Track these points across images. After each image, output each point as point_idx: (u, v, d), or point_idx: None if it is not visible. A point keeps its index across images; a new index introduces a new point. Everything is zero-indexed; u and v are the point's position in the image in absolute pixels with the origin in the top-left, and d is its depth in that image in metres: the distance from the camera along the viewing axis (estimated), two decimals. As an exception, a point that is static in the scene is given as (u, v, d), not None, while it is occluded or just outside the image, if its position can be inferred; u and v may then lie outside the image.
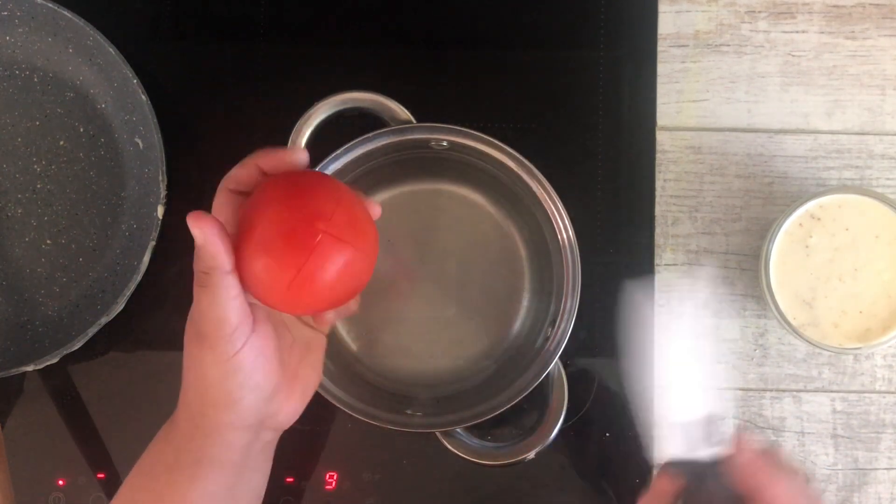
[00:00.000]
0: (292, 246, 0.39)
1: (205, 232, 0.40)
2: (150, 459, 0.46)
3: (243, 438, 0.43)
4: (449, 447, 0.53)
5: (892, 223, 0.53)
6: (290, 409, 0.45)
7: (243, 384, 0.42)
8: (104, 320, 0.54)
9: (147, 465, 0.46)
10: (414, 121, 0.53)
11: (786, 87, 0.59)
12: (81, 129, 0.59)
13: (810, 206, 0.53)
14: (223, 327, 0.41)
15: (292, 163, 0.43)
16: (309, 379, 0.46)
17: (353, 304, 0.47)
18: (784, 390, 0.59)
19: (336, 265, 0.40)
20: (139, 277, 0.54)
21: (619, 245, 0.59)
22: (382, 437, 0.57)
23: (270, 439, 0.46)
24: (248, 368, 0.42)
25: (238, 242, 0.40)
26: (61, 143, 0.59)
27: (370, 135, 0.53)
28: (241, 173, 0.43)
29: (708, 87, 0.60)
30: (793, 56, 0.60)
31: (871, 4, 0.59)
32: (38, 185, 0.59)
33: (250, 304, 0.42)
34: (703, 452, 0.45)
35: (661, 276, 0.59)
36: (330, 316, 0.46)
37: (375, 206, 0.45)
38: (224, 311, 0.40)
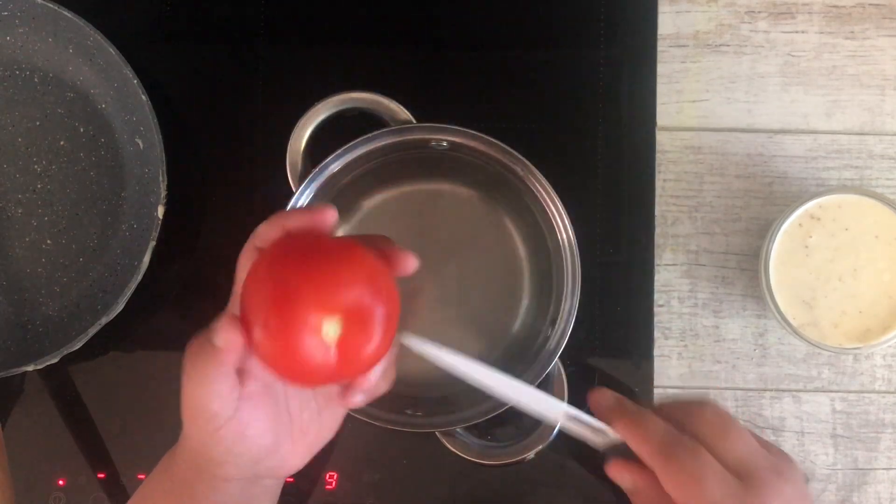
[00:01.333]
0: (284, 320, 0.37)
1: (230, 339, 0.38)
2: (151, 489, 0.46)
3: (238, 487, 0.43)
4: (449, 447, 0.53)
5: (891, 223, 0.53)
6: (293, 462, 0.44)
7: (228, 451, 0.41)
8: (104, 320, 0.54)
9: (148, 494, 0.46)
10: (414, 121, 0.53)
11: (785, 88, 0.59)
12: (82, 130, 0.59)
13: (810, 206, 0.53)
14: (203, 412, 0.40)
15: (320, 226, 0.39)
16: (320, 433, 0.45)
17: (382, 384, 0.43)
18: (784, 390, 0.59)
19: (331, 340, 0.37)
20: (139, 277, 0.54)
21: (619, 245, 0.59)
22: (382, 437, 0.57)
23: (272, 485, 0.46)
24: (230, 441, 0.41)
25: (244, 307, 0.39)
26: (61, 143, 0.59)
27: (370, 135, 0.53)
28: (268, 231, 0.40)
29: (708, 87, 0.60)
30: (792, 56, 0.60)
31: (870, 4, 0.60)
32: (39, 185, 0.59)
33: (244, 372, 0.40)
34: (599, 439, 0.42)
35: (661, 276, 0.59)
36: (357, 398, 0.42)
37: (409, 260, 0.41)
38: (206, 400, 0.39)
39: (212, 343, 0.38)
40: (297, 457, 0.44)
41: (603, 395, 0.44)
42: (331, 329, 0.37)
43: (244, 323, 0.38)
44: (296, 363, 0.38)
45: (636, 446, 0.41)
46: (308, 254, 0.38)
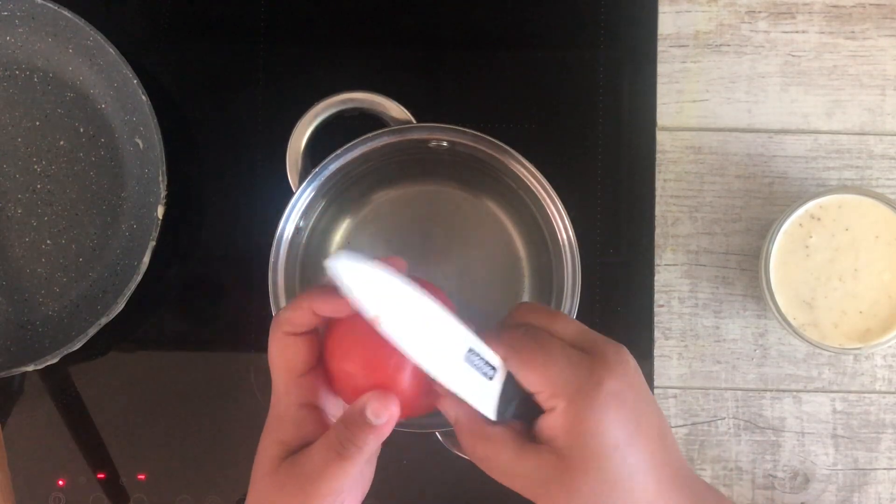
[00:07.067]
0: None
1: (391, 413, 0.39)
2: None
3: None
4: (449, 447, 0.53)
5: (892, 223, 0.53)
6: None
7: None
8: (104, 320, 0.54)
9: None
10: (414, 121, 0.53)
11: (786, 88, 0.59)
12: (81, 130, 0.59)
13: (810, 206, 0.53)
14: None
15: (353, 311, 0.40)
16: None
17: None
18: (784, 390, 0.59)
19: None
20: (139, 277, 0.54)
21: (619, 245, 0.59)
22: (382, 437, 0.57)
23: None
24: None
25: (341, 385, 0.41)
26: (61, 143, 0.59)
27: (370, 135, 0.53)
28: (295, 316, 0.41)
29: (708, 87, 0.60)
30: (793, 56, 0.60)
31: (871, 4, 0.60)
32: (38, 186, 0.59)
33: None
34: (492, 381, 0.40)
35: (661, 276, 0.59)
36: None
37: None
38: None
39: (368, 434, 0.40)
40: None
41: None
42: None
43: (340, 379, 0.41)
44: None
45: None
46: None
